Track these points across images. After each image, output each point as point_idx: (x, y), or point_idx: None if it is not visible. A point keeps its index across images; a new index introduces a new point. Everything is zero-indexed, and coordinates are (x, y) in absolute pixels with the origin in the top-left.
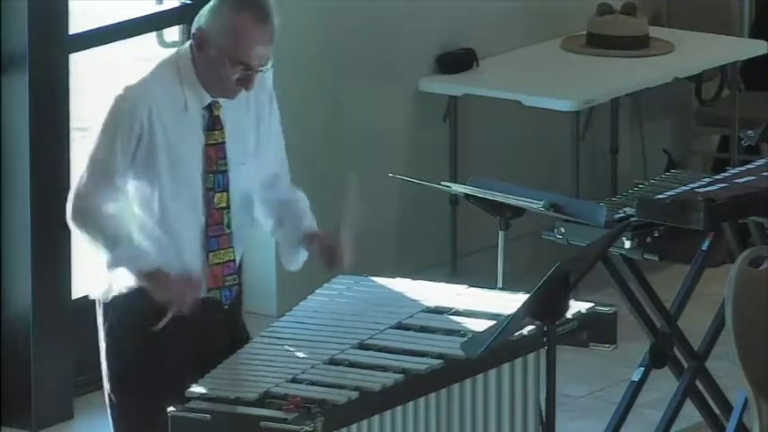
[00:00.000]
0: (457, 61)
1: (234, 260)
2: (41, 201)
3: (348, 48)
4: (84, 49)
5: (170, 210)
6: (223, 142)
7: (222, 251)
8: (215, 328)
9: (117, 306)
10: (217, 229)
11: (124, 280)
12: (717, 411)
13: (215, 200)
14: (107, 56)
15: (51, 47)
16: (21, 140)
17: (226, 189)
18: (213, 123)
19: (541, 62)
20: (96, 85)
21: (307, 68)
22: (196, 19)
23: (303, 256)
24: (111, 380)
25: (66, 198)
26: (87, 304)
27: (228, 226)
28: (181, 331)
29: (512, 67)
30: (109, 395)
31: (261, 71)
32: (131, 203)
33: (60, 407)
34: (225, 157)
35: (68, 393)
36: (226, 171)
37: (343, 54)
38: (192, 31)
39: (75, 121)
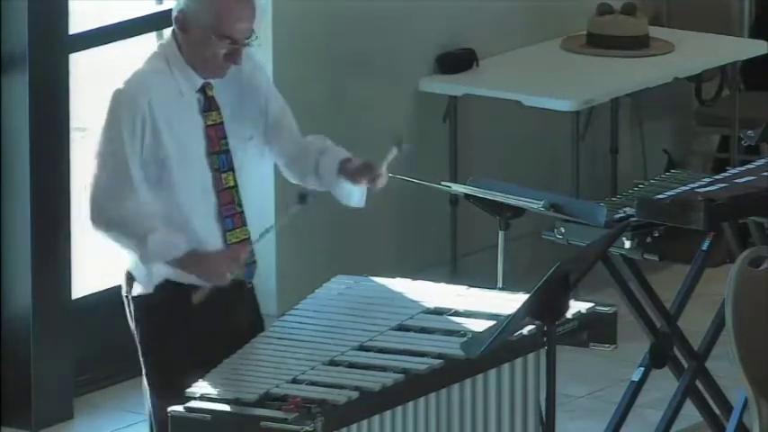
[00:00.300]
0: (457, 61)
1: (249, 238)
2: (41, 201)
3: (348, 48)
4: (84, 49)
5: (181, 195)
6: (221, 122)
7: (238, 230)
8: (241, 307)
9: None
10: (229, 208)
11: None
12: (717, 411)
13: (223, 180)
14: (107, 56)
15: (51, 47)
16: (21, 140)
17: (231, 168)
18: (209, 105)
19: (541, 62)
20: (96, 85)
21: (307, 68)
22: (175, 4)
23: (358, 190)
24: (147, 364)
25: (65, 199)
26: (87, 304)
27: (239, 204)
28: (211, 311)
29: (512, 67)
30: (147, 377)
31: (246, 44)
32: (147, 195)
33: (60, 407)
34: (225, 137)
35: (68, 393)
36: (228, 151)
37: (342, 54)
38: (174, 15)
39: (75, 121)
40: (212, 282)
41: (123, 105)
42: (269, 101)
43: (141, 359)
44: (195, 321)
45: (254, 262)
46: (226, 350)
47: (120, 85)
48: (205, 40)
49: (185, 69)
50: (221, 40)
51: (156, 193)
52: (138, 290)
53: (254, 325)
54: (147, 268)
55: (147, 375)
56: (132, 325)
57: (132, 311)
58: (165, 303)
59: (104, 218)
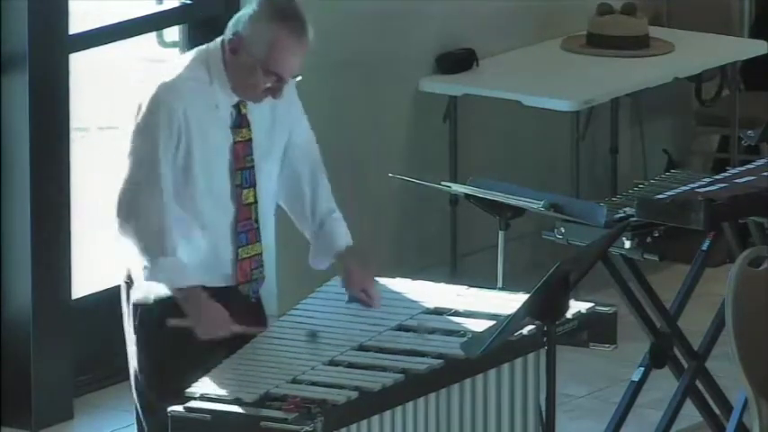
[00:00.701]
0: (457, 61)
1: (261, 253)
2: (41, 201)
3: (348, 48)
4: (84, 49)
5: (203, 207)
6: (250, 139)
7: (250, 246)
8: (245, 320)
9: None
10: (246, 224)
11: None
12: (717, 411)
13: (243, 196)
14: (107, 56)
15: (51, 47)
16: (21, 140)
17: (253, 185)
18: (240, 121)
19: (541, 62)
20: (96, 85)
21: (306, 68)
22: (234, 22)
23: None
24: (141, 375)
25: (65, 199)
26: (87, 304)
27: (256, 221)
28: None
29: (512, 67)
30: (137, 390)
31: (290, 81)
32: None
33: (60, 407)
34: (251, 154)
35: (68, 393)
36: (252, 167)
37: (342, 54)
38: (229, 35)
39: (75, 121)
40: (199, 329)
41: (162, 111)
42: (294, 123)
43: (137, 360)
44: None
45: (263, 278)
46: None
47: (160, 89)
48: (252, 69)
49: (225, 84)
50: (267, 75)
51: (177, 200)
52: (136, 296)
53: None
54: (146, 283)
55: (144, 377)
56: (128, 324)
57: (132, 315)
58: (166, 313)
59: (132, 213)
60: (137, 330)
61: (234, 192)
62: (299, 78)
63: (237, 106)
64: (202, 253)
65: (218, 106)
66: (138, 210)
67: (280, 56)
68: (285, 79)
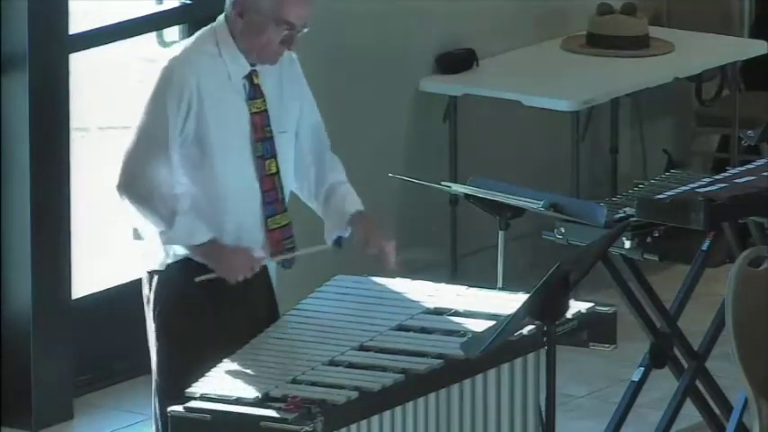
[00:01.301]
0: (457, 61)
1: (290, 223)
2: (41, 201)
3: (348, 48)
4: (84, 49)
5: (222, 180)
6: (266, 110)
7: (278, 216)
8: (258, 294)
9: (164, 281)
10: (271, 194)
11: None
12: (717, 411)
13: (266, 166)
14: (107, 56)
15: (51, 47)
16: (21, 140)
17: (274, 156)
18: (254, 92)
19: (541, 62)
20: (96, 85)
21: (306, 68)
22: None
23: (346, 234)
24: (159, 356)
25: (65, 199)
26: (87, 304)
27: (281, 190)
28: (230, 301)
29: (512, 67)
30: (157, 369)
31: (301, 32)
32: (183, 177)
33: (60, 407)
34: (269, 125)
35: (68, 393)
36: (272, 137)
37: (342, 54)
38: (230, 2)
39: (75, 121)
40: (226, 275)
41: (171, 82)
42: (304, 102)
43: (156, 344)
44: (217, 301)
45: (294, 248)
46: (243, 335)
47: (169, 62)
48: (263, 26)
49: (235, 54)
50: (279, 26)
51: (194, 175)
52: (151, 265)
53: (271, 308)
54: (164, 247)
55: (165, 360)
56: (150, 308)
57: (153, 288)
58: (185, 280)
59: (134, 189)
60: (156, 306)
61: (257, 163)
62: (307, 30)
63: (249, 77)
64: (228, 231)
65: (230, 77)
66: (146, 178)
67: (286, 3)
68: (296, 27)
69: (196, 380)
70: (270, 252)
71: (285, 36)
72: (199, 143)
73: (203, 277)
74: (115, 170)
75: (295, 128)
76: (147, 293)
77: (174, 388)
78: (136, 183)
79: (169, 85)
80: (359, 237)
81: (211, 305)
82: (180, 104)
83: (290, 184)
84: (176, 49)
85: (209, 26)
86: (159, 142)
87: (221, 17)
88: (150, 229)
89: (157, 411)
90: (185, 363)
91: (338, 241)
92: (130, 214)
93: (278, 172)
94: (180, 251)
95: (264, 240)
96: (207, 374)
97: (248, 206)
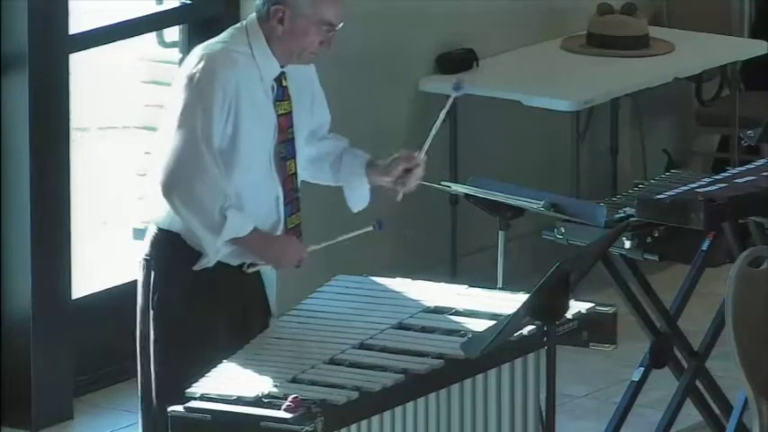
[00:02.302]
0: (457, 61)
1: (301, 223)
2: (41, 201)
3: (348, 47)
4: (84, 49)
5: (245, 178)
6: (290, 111)
7: (295, 215)
8: (252, 292)
9: (163, 267)
10: (291, 194)
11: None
12: (717, 411)
13: (287, 167)
14: (107, 56)
15: (51, 47)
16: (21, 140)
17: (294, 156)
18: (282, 94)
19: (541, 62)
20: (96, 85)
21: None
22: None
23: (367, 192)
24: (158, 342)
25: (65, 199)
26: (87, 304)
27: (297, 190)
28: (230, 295)
29: (512, 67)
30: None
31: (338, 29)
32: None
33: (60, 407)
34: (292, 126)
35: (68, 393)
36: (293, 139)
37: (343, 54)
38: (270, 6)
39: (75, 121)
40: (279, 264)
41: (216, 80)
42: (317, 105)
43: (154, 332)
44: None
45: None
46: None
47: (207, 59)
48: (306, 29)
49: (268, 57)
50: (321, 27)
51: (223, 172)
52: (201, 264)
53: (265, 310)
54: (215, 245)
55: (166, 358)
56: (145, 295)
57: (153, 274)
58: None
59: (181, 191)
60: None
61: (279, 164)
62: (342, 25)
63: (279, 79)
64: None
65: (262, 79)
66: (194, 176)
67: (327, 3)
68: (336, 26)
69: (196, 372)
70: None
71: (325, 36)
72: (232, 142)
73: (253, 268)
74: (159, 169)
75: (308, 128)
76: (145, 279)
77: (173, 379)
78: (183, 186)
79: (214, 83)
80: (387, 168)
81: (209, 300)
82: (224, 104)
83: (301, 182)
84: (212, 46)
85: (238, 25)
86: (207, 142)
87: (252, 18)
88: (201, 233)
89: (146, 408)
90: (187, 351)
91: (379, 222)
92: (179, 215)
93: (296, 172)
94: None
95: None
96: (207, 374)
97: (270, 206)
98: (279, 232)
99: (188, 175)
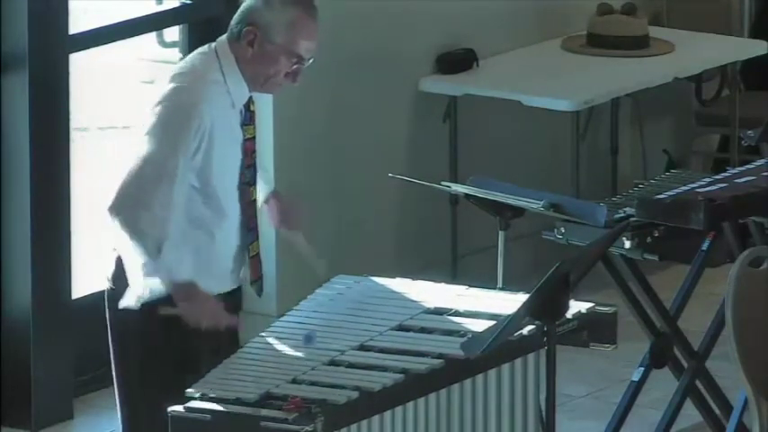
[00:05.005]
0: (457, 61)
1: (259, 252)
2: (41, 201)
3: (348, 48)
4: (84, 49)
5: (216, 207)
6: (254, 137)
7: (255, 243)
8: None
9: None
10: (253, 221)
11: (156, 287)
12: (717, 411)
13: (249, 193)
14: (107, 56)
15: (51, 47)
16: (21, 140)
17: (255, 182)
18: (249, 118)
19: (541, 62)
20: (96, 85)
21: (307, 68)
22: (241, 17)
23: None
24: (128, 372)
25: (65, 199)
26: (87, 304)
27: (256, 217)
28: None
29: (512, 67)
30: (122, 387)
31: (306, 65)
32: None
33: (60, 407)
34: (255, 151)
35: (68, 393)
36: (255, 164)
37: (343, 54)
38: (242, 27)
39: (75, 121)
40: (191, 318)
41: (189, 119)
42: None
43: (129, 365)
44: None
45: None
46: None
47: (183, 93)
48: (275, 57)
49: (239, 82)
50: (289, 59)
51: (188, 199)
52: (126, 302)
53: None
54: (145, 279)
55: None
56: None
57: (116, 321)
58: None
59: (130, 215)
60: (119, 338)
61: (243, 189)
62: (311, 61)
63: (247, 103)
64: (218, 257)
65: (233, 105)
66: (145, 204)
67: (300, 36)
68: (305, 60)
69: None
70: (250, 277)
71: (293, 69)
72: (201, 172)
73: (168, 311)
74: (112, 190)
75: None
76: (110, 316)
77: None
78: (133, 209)
79: (186, 121)
80: (271, 214)
81: (172, 335)
82: (194, 137)
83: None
84: (185, 77)
85: (205, 49)
86: (167, 176)
87: (222, 40)
88: (133, 258)
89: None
90: (170, 379)
91: (308, 336)
92: (118, 237)
93: (255, 198)
94: (156, 289)
95: (247, 266)
96: (207, 375)
97: (233, 233)
98: (242, 259)
99: (137, 204)
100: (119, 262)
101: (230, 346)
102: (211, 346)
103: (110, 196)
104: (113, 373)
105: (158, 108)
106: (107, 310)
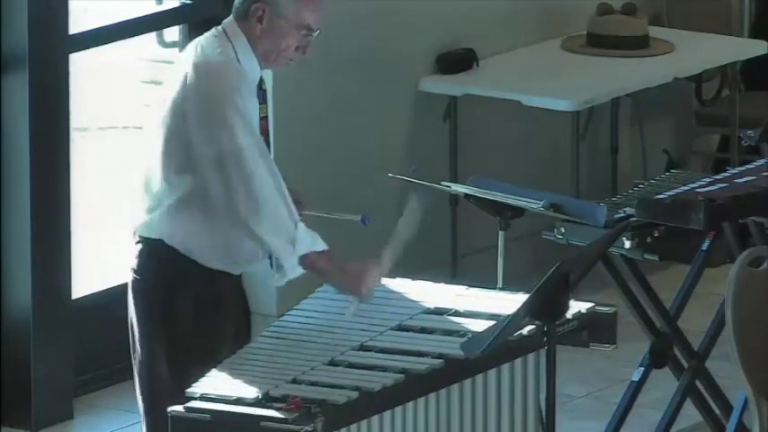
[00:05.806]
0: (457, 61)
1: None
2: (41, 201)
3: (348, 48)
4: (84, 49)
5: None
6: (267, 116)
7: None
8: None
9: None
10: None
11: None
12: (717, 411)
13: None
14: (107, 56)
15: (51, 47)
16: (21, 140)
17: None
18: (263, 97)
19: (541, 62)
20: (96, 85)
21: (306, 68)
22: None
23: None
24: (152, 354)
25: (65, 199)
26: (87, 304)
27: None
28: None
29: (512, 67)
30: (144, 376)
31: (315, 35)
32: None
33: (60, 407)
34: (268, 131)
35: (68, 393)
36: (269, 144)
37: (343, 54)
38: (250, 5)
39: (75, 121)
40: (355, 291)
41: (232, 99)
42: None
43: (160, 342)
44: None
45: None
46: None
47: (218, 77)
48: (284, 31)
49: (252, 59)
50: (300, 31)
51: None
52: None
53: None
54: (286, 263)
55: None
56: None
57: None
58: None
59: (267, 215)
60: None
61: None
62: (318, 32)
63: (259, 83)
64: (234, 238)
65: (249, 84)
66: (267, 203)
67: (308, 7)
68: (314, 31)
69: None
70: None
71: (303, 41)
72: None
73: (354, 309)
74: (239, 200)
75: None
76: (146, 294)
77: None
78: (268, 213)
79: (237, 101)
80: None
81: (216, 314)
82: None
83: None
84: (211, 65)
85: (214, 32)
86: (264, 156)
87: (229, 20)
88: (288, 262)
89: (149, 408)
90: (194, 367)
91: (363, 218)
92: (260, 237)
93: None
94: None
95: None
96: (207, 375)
97: None
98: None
99: (270, 198)
100: (141, 253)
101: (246, 333)
102: (235, 329)
103: (242, 211)
104: (136, 359)
105: (205, 102)
106: (132, 299)
